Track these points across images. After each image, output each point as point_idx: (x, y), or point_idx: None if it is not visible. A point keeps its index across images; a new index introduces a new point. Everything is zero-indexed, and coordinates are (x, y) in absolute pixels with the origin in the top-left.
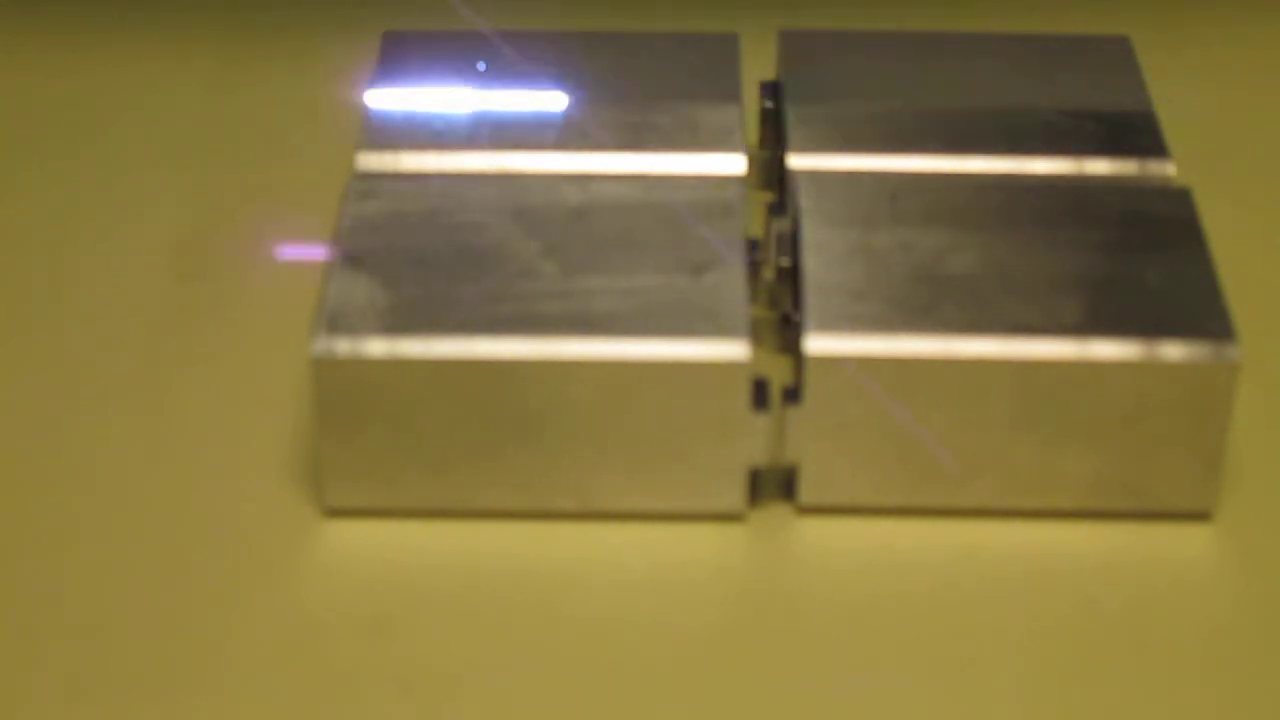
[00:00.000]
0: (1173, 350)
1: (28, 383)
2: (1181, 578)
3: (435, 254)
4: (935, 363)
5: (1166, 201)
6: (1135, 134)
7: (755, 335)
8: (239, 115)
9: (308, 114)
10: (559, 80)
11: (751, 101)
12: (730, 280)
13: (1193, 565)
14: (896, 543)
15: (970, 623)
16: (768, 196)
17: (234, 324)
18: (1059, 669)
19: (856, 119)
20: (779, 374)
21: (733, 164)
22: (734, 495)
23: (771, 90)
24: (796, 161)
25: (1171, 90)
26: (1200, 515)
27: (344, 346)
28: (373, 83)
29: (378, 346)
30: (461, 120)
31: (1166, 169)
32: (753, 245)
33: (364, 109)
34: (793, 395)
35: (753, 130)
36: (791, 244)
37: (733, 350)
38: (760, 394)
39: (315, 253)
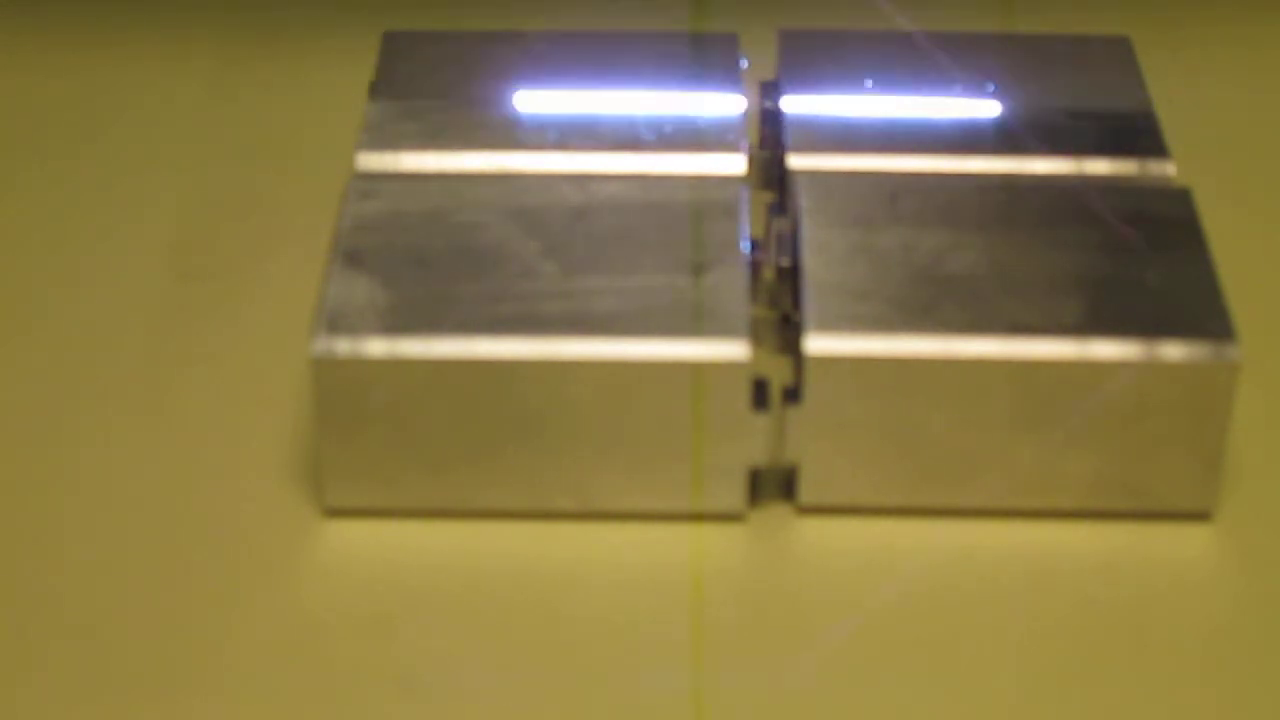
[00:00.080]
0: (1173, 350)
1: (28, 383)
2: (1181, 578)
3: (435, 254)
4: (935, 363)
5: (1166, 201)
6: (1135, 134)
7: (755, 335)
8: (239, 115)
9: (308, 114)
10: (559, 80)
11: (751, 101)
12: (730, 280)
13: (1193, 565)
14: (896, 543)
15: (970, 623)
16: (768, 196)
17: (234, 324)
18: (1059, 669)
19: (856, 119)
20: (779, 374)
21: (733, 164)
22: (734, 495)
23: (771, 90)
24: (796, 161)
25: (1171, 90)
26: (1200, 515)
27: (344, 346)
28: (373, 83)
29: (377, 346)
30: (462, 120)
31: (1166, 169)
32: (753, 245)
33: (364, 109)
34: (793, 395)
35: (753, 130)
36: (792, 244)
37: (733, 350)
38: (760, 394)
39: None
